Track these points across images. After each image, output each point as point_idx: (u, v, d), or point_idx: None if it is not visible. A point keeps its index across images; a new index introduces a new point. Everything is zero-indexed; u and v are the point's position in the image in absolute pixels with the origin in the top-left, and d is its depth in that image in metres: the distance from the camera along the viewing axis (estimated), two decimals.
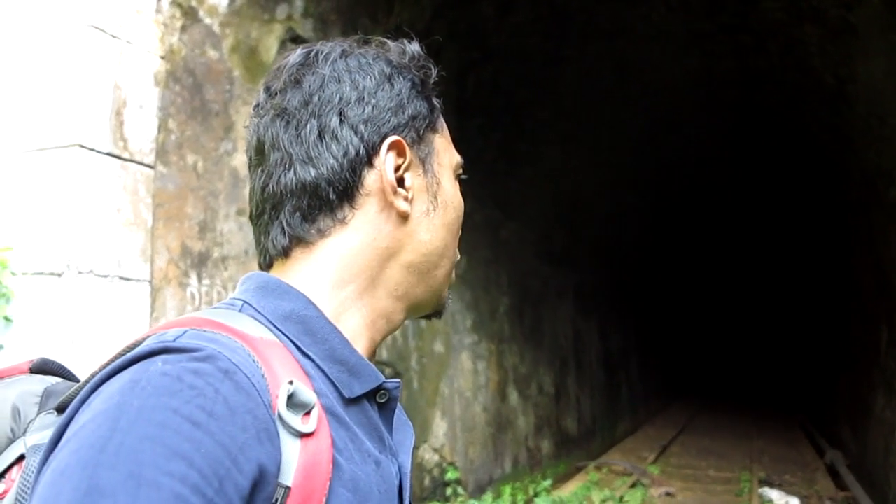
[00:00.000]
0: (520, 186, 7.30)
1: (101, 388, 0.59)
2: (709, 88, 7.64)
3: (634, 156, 9.42)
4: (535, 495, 6.16)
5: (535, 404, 7.80)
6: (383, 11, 4.19)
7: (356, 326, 0.77)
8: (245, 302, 0.73)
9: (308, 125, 0.76)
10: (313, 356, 0.71)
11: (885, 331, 6.60)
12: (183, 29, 2.99)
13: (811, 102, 7.07)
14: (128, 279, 2.90)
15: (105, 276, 2.80)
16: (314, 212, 0.76)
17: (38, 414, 0.75)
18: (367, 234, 0.77)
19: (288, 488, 0.60)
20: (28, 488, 0.65)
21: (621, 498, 6.29)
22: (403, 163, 0.77)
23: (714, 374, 18.81)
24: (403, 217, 0.78)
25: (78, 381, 0.80)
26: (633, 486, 6.88)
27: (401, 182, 0.77)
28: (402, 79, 0.79)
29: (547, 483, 6.53)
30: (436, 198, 0.81)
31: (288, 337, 0.71)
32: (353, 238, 0.77)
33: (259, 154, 0.79)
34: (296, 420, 0.62)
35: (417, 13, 4.53)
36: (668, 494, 6.58)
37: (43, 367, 0.82)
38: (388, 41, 0.82)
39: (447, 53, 5.05)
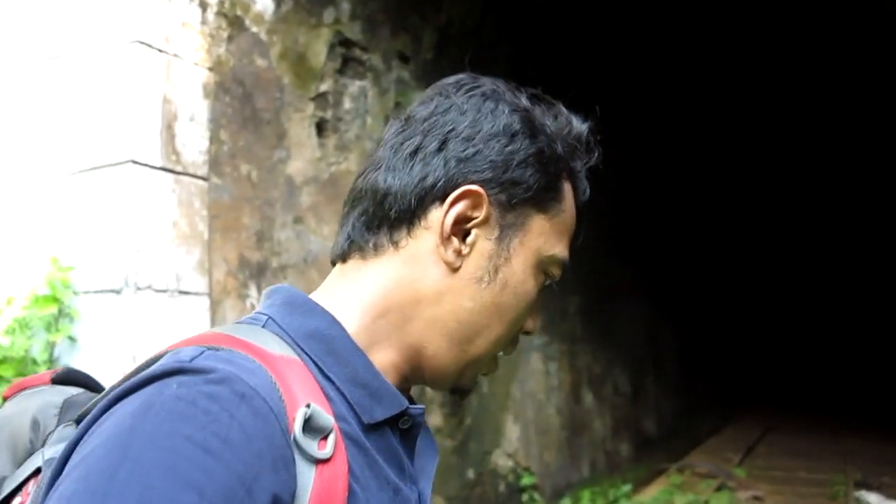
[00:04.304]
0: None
1: (113, 408, 0.58)
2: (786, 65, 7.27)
3: (708, 144, 9.08)
4: (615, 501, 5.95)
5: (611, 406, 7.58)
6: (432, 8, 4.10)
7: (383, 362, 0.74)
8: (269, 317, 0.71)
9: (413, 139, 0.75)
10: (334, 378, 0.69)
11: None
12: (230, 39, 2.97)
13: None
14: (186, 293, 2.89)
15: (164, 291, 2.80)
16: (375, 222, 0.74)
17: (56, 426, 0.74)
18: (413, 270, 0.73)
19: None
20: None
21: (706, 502, 6.03)
22: (476, 217, 0.73)
23: (803, 368, 18.00)
24: (451, 268, 0.73)
25: (104, 390, 0.77)
26: (719, 489, 6.58)
27: (465, 235, 0.73)
28: (527, 142, 0.74)
29: (627, 488, 6.31)
30: (496, 271, 0.74)
31: (310, 357, 0.69)
32: (401, 269, 0.74)
33: (376, 147, 0.80)
34: (312, 445, 0.59)
35: (467, 9, 4.42)
36: (756, 498, 6.26)
37: (67, 378, 0.81)
38: (563, 108, 0.80)
39: (501, 50, 4.93)
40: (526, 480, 5.67)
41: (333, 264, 0.79)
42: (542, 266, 0.77)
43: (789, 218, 13.92)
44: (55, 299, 2.66)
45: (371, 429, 0.69)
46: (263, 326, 0.69)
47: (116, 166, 2.65)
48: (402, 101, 3.97)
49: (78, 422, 0.69)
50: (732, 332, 12.84)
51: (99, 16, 2.68)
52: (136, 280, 2.68)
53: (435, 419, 4.52)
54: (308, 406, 0.60)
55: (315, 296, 0.76)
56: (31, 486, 0.68)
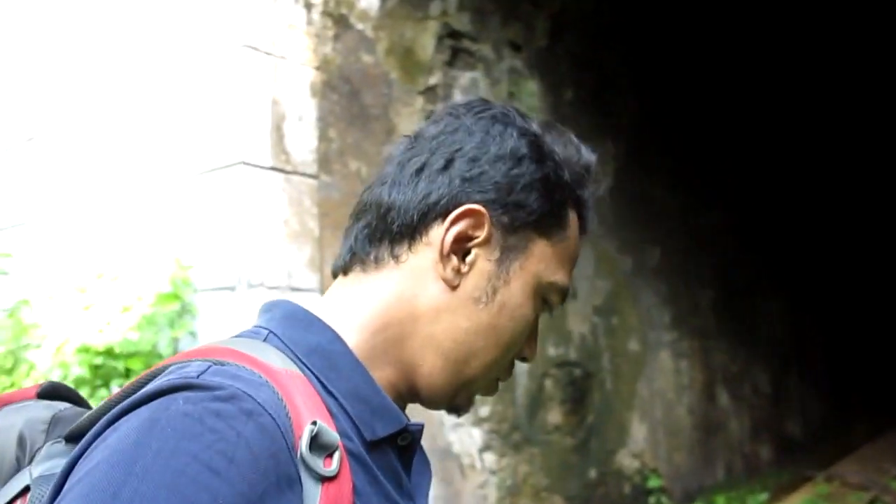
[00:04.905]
0: (717, 170, 6.70)
1: (118, 423, 0.57)
2: None
3: (858, 129, 8.33)
4: None
5: (749, 406, 7.13)
6: None
7: (381, 379, 0.73)
8: (270, 331, 0.71)
9: (420, 156, 0.75)
10: (336, 393, 0.68)
11: None
12: (336, 37, 2.99)
13: None
14: (298, 289, 2.95)
15: (275, 288, 2.87)
16: (377, 235, 0.75)
17: (44, 442, 0.72)
18: (413, 286, 0.73)
19: None
20: None
21: None
22: (477, 237, 0.73)
23: None
24: (449, 286, 0.73)
25: (89, 407, 0.77)
26: (871, 502, 6.02)
27: (465, 254, 0.74)
28: (534, 167, 0.74)
29: (765, 496, 5.91)
30: (494, 292, 0.74)
31: (312, 371, 0.68)
32: (400, 283, 0.74)
33: (384, 164, 0.81)
34: (318, 463, 0.59)
35: None
36: None
37: (52, 392, 0.79)
38: (573, 136, 0.79)
39: (617, 36, 4.70)
40: (653, 482, 5.43)
41: (335, 276, 0.78)
42: (542, 292, 0.77)
43: None
44: (177, 297, 2.79)
45: (372, 445, 0.69)
46: (265, 340, 0.69)
47: (229, 168, 2.74)
48: (514, 90, 3.87)
49: (68, 439, 0.69)
50: (891, 328, 11.76)
51: (210, 23, 2.78)
52: (249, 277, 2.76)
53: (554, 417, 4.41)
54: (314, 423, 0.60)
55: (315, 309, 0.75)
56: None
